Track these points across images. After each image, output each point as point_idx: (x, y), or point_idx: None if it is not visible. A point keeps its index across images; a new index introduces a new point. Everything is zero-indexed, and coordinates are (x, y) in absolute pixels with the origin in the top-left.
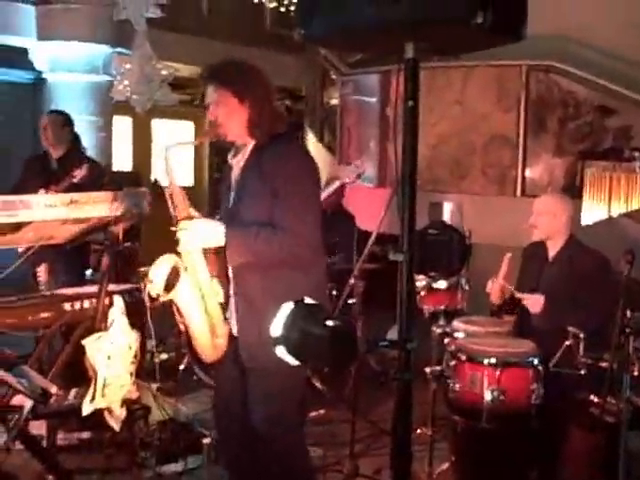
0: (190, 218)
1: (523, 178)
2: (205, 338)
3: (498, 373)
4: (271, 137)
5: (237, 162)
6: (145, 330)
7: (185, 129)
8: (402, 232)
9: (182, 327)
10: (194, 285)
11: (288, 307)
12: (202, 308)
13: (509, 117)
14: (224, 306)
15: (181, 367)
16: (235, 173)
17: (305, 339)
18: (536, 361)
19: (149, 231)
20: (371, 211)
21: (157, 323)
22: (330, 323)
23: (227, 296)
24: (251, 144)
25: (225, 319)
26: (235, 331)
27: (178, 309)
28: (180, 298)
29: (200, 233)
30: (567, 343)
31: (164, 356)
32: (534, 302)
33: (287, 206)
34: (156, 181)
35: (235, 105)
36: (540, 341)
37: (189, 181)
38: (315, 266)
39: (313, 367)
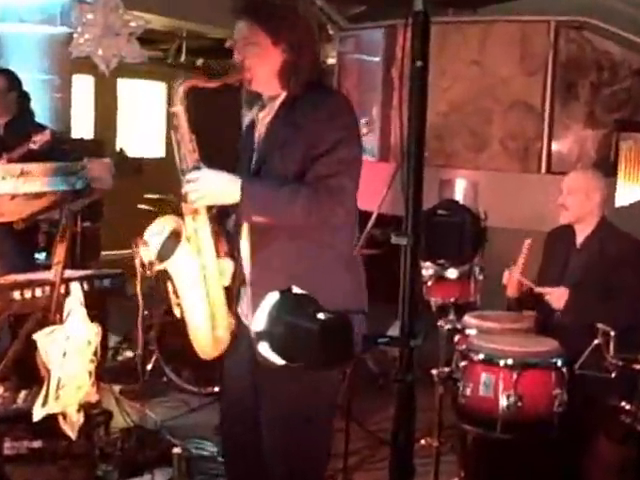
0: (199, 169)
1: (549, 152)
2: (204, 328)
3: (515, 376)
4: (306, 87)
5: (262, 118)
6: (107, 323)
7: (156, 91)
8: (406, 212)
9: (177, 312)
10: (196, 259)
11: (272, 297)
12: (204, 289)
13: (534, 81)
14: (231, 291)
15: (148, 366)
16: (260, 131)
17: (292, 334)
18: (559, 362)
19: (112, 209)
20: (371, 188)
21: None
22: (321, 316)
23: (238, 283)
24: (282, 96)
25: (230, 309)
26: (247, 319)
27: (174, 286)
28: (178, 270)
29: (212, 186)
30: (596, 342)
31: (129, 353)
32: (557, 297)
33: (330, 158)
34: (122, 151)
35: (268, 46)
36: (564, 339)
37: (159, 152)
38: (347, 235)
39: (301, 367)
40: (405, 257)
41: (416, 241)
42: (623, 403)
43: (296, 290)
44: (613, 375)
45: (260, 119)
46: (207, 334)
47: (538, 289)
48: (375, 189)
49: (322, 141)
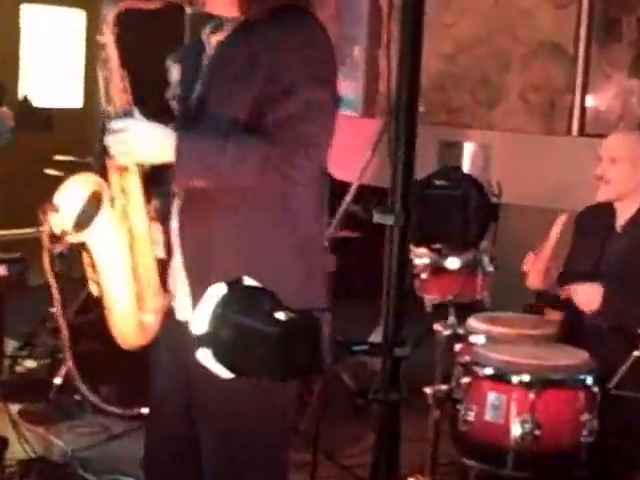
0: (129, 116)
1: (582, 109)
2: (128, 310)
3: (533, 396)
4: (271, 10)
5: (214, 40)
6: (2, 323)
7: (72, 19)
8: (393, 183)
9: (95, 289)
10: (121, 226)
11: (218, 290)
12: (129, 263)
13: (564, 15)
14: (164, 267)
15: (56, 381)
16: (208, 54)
17: (242, 339)
18: (590, 380)
19: (11, 174)
20: (352, 152)
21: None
22: (281, 316)
23: (168, 256)
24: (239, 17)
25: (164, 288)
26: (181, 313)
27: (91, 259)
28: (97, 242)
29: (142, 139)
30: (635, 354)
31: (31, 363)
32: (588, 296)
33: (295, 98)
34: (26, 99)
35: None
36: (598, 350)
37: (77, 101)
38: (313, 222)
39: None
40: (391, 241)
41: (406, 220)
42: None
43: (248, 282)
44: None
45: (210, 43)
46: (131, 317)
47: (563, 292)
48: (356, 153)
49: (286, 75)
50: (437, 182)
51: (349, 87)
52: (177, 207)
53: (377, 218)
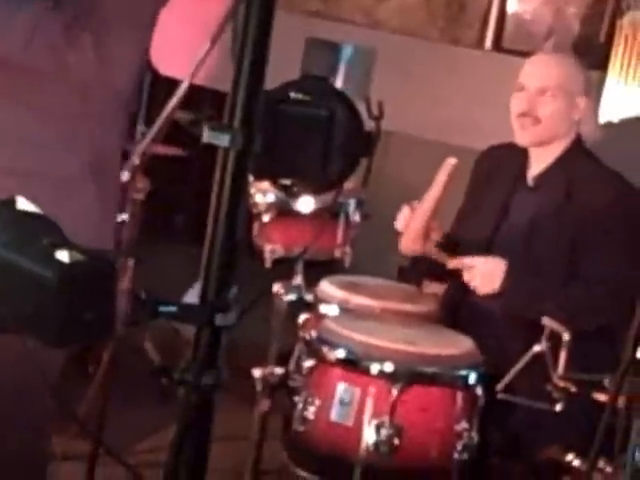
0: None
1: (501, 14)
2: None
3: (395, 393)
4: None
5: None
6: None
7: None
8: (234, 91)
9: None
10: None
11: None
12: None
13: None
14: None
15: None
16: None
17: (7, 282)
18: (472, 377)
19: None
20: (185, 40)
21: None
22: (64, 256)
23: None
24: None
25: None
26: None
27: None
28: None
29: None
30: (536, 348)
31: None
32: (485, 273)
33: None
34: None
35: None
36: (486, 339)
37: None
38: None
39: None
40: (223, 168)
41: (246, 143)
42: (570, 456)
43: (23, 204)
44: (558, 408)
45: None
46: None
47: (451, 262)
48: (191, 42)
49: None
50: (295, 96)
51: None
52: None
53: (207, 136)
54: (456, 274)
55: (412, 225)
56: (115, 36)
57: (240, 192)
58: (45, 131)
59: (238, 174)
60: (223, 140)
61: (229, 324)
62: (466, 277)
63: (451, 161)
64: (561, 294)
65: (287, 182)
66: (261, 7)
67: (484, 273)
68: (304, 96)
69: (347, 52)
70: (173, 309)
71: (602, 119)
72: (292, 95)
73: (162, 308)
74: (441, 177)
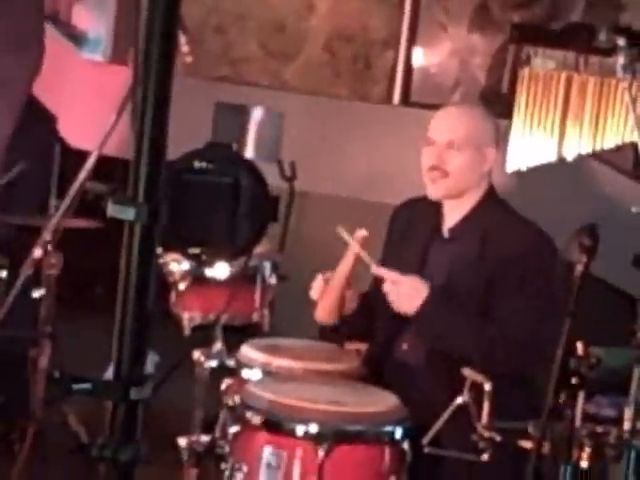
0: None
1: (408, 69)
2: None
3: (322, 454)
4: None
5: None
6: None
7: None
8: (135, 164)
9: None
10: None
11: None
12: None
13: None
14: None
15: None
16: None
17: None
18: (399, 433)
19: None
20: (94, 112)
21: None
22: None
23: None
24: None
25: None
26: None
27: None
28: None
29: None
30: (459, 400)
31: None
32: (408, 289)
33: None
34: None
35: None
36: (410, 393)
37: None
38: None
39: None
40: (130, 242)
41: (152, 216)
42: None
43: None
44: (485, 457)
45: None
46: None
47: (376, 270)
48: (100, 113)
49: None
50: (198, 165)
51: (95, 22)
52: None
53: (112, 210)
54: (377, 332)
55: (326, 297)
56: None
57: (149, 264)
58: None
59: (146, 246)
60: (128, 214)
61: (145, 397)
62: (386, 288)
63: (361, 233)
64: (477, 331)
65: (196, 251)
66: (159, 77)
67: (407, 291)
68: (208, 164)
69: (257, 115)
70: (87, 386)
71: (509, 168)
72: (196, 164)
73: (76, 386)
74: (352, 249)
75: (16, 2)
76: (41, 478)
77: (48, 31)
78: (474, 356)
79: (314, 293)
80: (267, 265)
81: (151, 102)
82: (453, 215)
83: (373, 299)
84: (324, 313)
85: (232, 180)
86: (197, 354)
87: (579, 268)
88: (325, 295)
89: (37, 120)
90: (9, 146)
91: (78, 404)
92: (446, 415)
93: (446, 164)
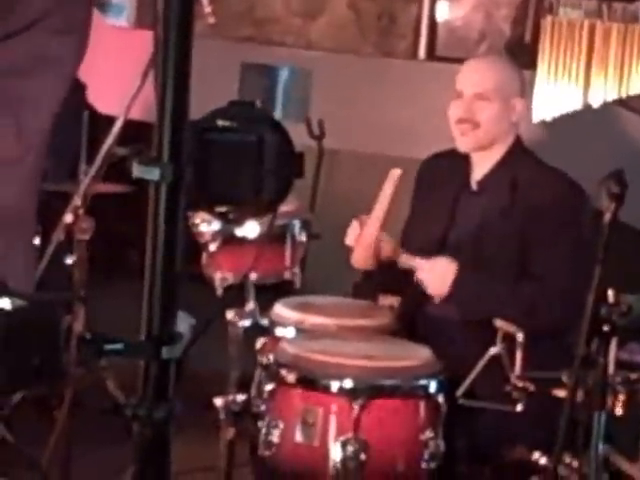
0: None
1: (432, 23)
2: None
3: (357, 409)
4: None
5: None
6: None
7: None
8: (160, 124)
9: None
10: None
11: None
12: None
13: None
14: None
15: None
16: None
17: None
18: (433, 386)
19: None
20: (119, 77)
21: None
22: (4, 303)
23: None
24: None
25: None
26: None
27: None
28: None
29: None
30: (492, 351)
31: None
32: (436, 273)
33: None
34: None
35: None
36: (443, 347)
37: None
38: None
39: None
40: (156, 202)
41: (177, 175)
42: (536, 455)
43: None
44: (519, 408)
45: None
46: None
47: (404, 259)
48: (125, 78)
49: None
50: (222, 123)
51: None
52: None
53: (137, 171)
54: (411, 285)
55: (362, 239)
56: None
57: (175, 224)
58: None
59: (172, 206)
60: (153, 174)
61: (176, 356)
62: (419, 276)
63: (396, 172)
64: (513, 293)
65: (223, 209)
66: (179, 36)
67: (435, 275)
68: (232, 123)
69: (283, 75)
70: (119, 346)
71: (535, 118)
72: (219, 123)
73: (107, 347)
74: (387, 189)
75: None
76: (80, 440)
77: None
78: (517, 318)
79: (349, 239)
80: (297, 223)
81: (172, 64)
82: (481, 167)
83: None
84: (360, 258)
85: (256, 137)
86: (230, 314)
87: (608, 215)
88: (361, 239)
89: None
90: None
91: (116, 369)
92: (479, 367)
93: (476, 115)
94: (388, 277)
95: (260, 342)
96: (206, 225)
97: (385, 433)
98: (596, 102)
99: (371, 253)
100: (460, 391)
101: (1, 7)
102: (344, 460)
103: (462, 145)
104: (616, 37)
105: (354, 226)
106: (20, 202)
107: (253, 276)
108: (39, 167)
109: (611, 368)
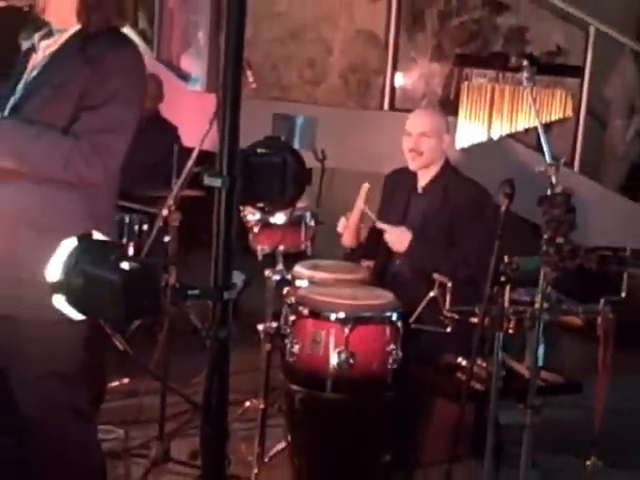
0: None
1: (392, 87)
2: None
3: (347, 331)
4: (106, 27)
5: (45, 47)
6: None
7: None
8: (220, 150)
9: None
10: None
11: (69, 244)
12: None
13: (377, 7)
14: None
15: None
16: (36, 61)
17: (92, 286)
18: (394, 316)
19: None
20: (197, 122)
21: None
22: (125, 266)
23: None
24: (74, 28)
25: None
26: None
27: None
28: None
29: None
30: (431, 294)
31: None
32: (399, 236)
33: (103, 112)
34: None
35: None
36: (402, 291)
37: None
38: (102, 189)
39: (103, 322)
40: (219, 201)
41: (231, 184)
42: (459, 359)
43: (97, 236)
44: (448, 329)
45: (42, 47)
46: None
47: (380, 224)
48: (200, 123)
49: (100, 91)
50: (259, 150)
51: (195, 66)
52: None
53: (207, 181)
54: (381, 250)
55: (348, 229)
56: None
57: (231, 216)
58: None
59: (228, 204)
60: (217, 182)
61: (232, 297)
62: (386, 237)
63: (366, 185)
64: (445, 256)
65: (261, 205)
66: (232, 99)
67: (398, 237)
68: (266, 150)
69: (299, 121)
70: (197, 292)
71: (457, 146)
72: (258, 150)
73: (189, 292)
74: (361, 196)
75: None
76: (174, 352)
77: (167, 73)
78: (447, 272)
79: (340, 228)
80: (308, 214)
81: (229, 115)
82: (424, 179)
83: (376, 233)
84: (347, 240)
85: (281, 159)
86: (267, 272)
87: (503, 208)
88: (347, 228)
89: (163, 129)
90: (146, 145)
91: (195, 306)
92: (423, 304)
93: (420, 147)
94: (366, 250)
95: (285, 290)
96: (251, 215)
97: (365, 346)
98: (495, 136)
99: (353, 237)
100: (412, 319)
101: (91, 86)
102: (339, 364)
103: (412, 166)
104: (508, 94)
105: (342, 220)
106: (105, 202)
107: (281, 248)
108: (115, 185)
109: (506, 304)
